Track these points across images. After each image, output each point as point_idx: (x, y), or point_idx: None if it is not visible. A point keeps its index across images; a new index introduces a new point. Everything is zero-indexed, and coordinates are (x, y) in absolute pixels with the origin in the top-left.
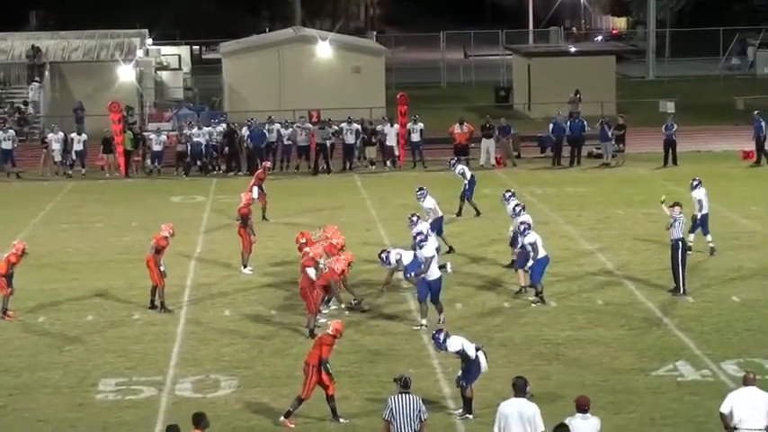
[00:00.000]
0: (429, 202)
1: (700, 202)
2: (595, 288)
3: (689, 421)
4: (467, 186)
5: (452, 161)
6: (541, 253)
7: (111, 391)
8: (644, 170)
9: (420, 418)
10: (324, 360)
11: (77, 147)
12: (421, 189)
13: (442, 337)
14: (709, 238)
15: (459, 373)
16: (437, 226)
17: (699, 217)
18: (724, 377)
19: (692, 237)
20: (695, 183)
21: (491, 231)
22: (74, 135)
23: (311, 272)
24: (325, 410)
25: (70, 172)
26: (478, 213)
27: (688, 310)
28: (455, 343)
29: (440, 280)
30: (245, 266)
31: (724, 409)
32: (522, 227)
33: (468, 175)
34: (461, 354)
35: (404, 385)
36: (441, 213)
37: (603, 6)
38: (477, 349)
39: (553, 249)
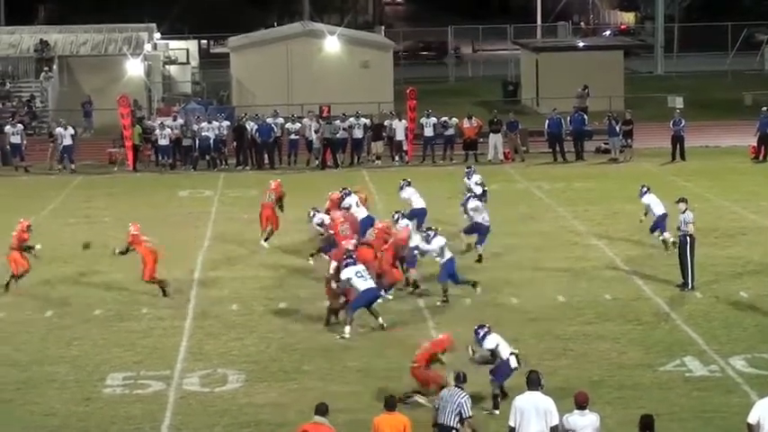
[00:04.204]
0: (405, 193)
1: (648, 206)
2: (603, 283)
3: (696, 417)
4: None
5: (470, 170)
6: (447, 255)
7: (118, 386)
8: (652, 165)
9: (461, 414)
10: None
11: (66, 141)
12: (403, 180)
13: (482, 332)
14: (662, 234)
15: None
16: (419, 220)
17: (656, 218)
18: (732, 373)
19: (656, 233)
20: (644, 189)
21: (499, 227)
22: (59, 129)
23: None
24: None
25: (73, 167)
26: None
27: (696, 305)
28: (492, 341)
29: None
30: (266, 240)
31: (751, 419)
32: (430, 233)
33: (479, 189)
34: (494, 352)
35: (456, 379)
36: (421, 206)
37: (612, 1)
38: (511, 353)
39: (561, 244)
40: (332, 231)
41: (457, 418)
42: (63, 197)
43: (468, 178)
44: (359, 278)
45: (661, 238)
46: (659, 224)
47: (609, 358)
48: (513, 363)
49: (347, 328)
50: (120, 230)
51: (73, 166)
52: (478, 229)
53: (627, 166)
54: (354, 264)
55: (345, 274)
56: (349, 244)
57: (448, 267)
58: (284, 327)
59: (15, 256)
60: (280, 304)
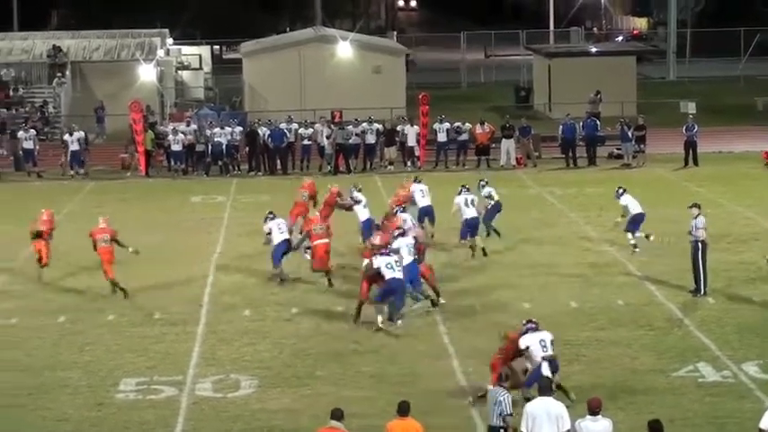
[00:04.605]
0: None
1: (625, 207)
2: (615, 289)
3: (709, 423)
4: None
5: (482, 182)
6: (407, 258)
7: (131, 391)
8: (664, 171)
9: (500, 413)
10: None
11: (72, 147)
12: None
13: (524, 328)
14: (633, 235)
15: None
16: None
17: (631, 217)
18: (744, 378)
19: (630, 235)
20: (620, 191)
21: (511, 232)
22: (66, 136)
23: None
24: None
25: (81, 171)
26: (498, 234)
27: (709, 311)
28: (526, 341)
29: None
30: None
31: (763, 424)
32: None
33: (493, 201)
34: (526, 353)
35: (498, 378)
36: (425, 204)
37: (624, 7)
38: (544, 358)
39: (573, 250)
40: (306, 230)
41: (501, 418)
42: (75, 203)
43: (480, 189)
44: (388, 269)
45: (632, 241)
46: (633, 225)
47: (621, 364)
48: (546, 370)
49: (379, 318)
50: (133, 236)
51: (82, 171)
52: (472, 225)
53: (639, 171)
54: (388, 255)
55: (376, 262)
56: (376, 238)
57: (411, 271)
58: (296, 332)
59: (41, 245)
60: (292, 309)
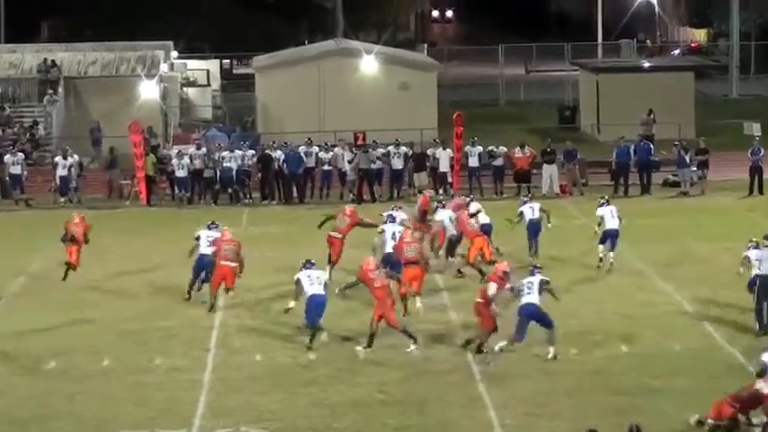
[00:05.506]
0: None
1: (601, 218)
2: (670, 331)
3: None
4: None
5: (526, 198)
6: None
7: None
8: (726, 199)
9: None
10: None
11: (61, 172)
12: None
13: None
14: (610, 254)
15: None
16: None
17: (603, 231)
18: None
19: (601, 248)
20: (602, 201)
21: (554, 268)
22: (58, 159)
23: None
24: None
25: (65, 199)
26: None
27: None
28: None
29: None
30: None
31: None
32: None
33: (527, 219)
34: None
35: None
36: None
37: (681, 17)
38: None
39: (624, 288)
40: (217, 247)
41: None
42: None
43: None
44: (528, 292)
45: (600, 254)
46: (603, 239)
47: (677, 416)
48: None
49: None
50: (133, 271)
51: (65, 199)
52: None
53: (698, 200)
54: (534, 274)
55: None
56: (503, 266)
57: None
58: (313, 380)
59: (73, 250)
60: (309, 355)
